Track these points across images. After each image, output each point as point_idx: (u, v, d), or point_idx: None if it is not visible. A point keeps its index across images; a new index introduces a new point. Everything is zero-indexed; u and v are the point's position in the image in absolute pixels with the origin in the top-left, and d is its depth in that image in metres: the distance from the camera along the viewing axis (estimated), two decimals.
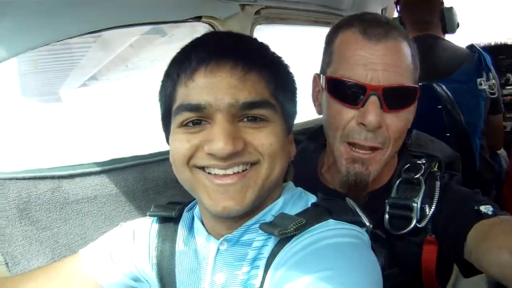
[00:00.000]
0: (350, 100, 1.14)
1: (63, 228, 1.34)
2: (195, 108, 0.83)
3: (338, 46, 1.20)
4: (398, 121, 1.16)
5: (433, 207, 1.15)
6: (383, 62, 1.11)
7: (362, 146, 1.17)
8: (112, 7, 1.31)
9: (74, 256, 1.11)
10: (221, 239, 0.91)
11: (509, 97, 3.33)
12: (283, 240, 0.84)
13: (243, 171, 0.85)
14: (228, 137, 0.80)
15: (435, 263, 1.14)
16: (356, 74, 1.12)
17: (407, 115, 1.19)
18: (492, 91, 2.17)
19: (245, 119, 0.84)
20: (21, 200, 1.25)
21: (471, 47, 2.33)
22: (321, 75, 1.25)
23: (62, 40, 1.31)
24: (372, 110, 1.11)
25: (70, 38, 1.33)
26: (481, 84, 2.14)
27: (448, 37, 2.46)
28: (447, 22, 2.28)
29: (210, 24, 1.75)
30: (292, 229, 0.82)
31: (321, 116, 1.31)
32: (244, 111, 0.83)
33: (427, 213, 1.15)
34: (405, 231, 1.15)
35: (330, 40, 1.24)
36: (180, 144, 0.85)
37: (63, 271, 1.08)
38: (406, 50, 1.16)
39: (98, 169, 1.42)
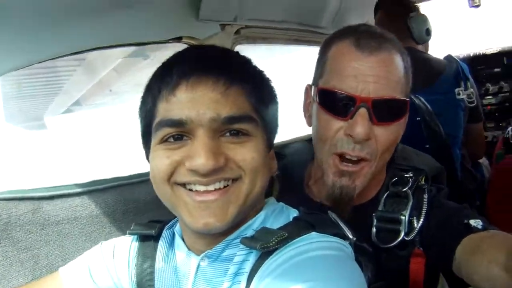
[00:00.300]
0: (339, 112, 1.14)
1: (43, 249, 1.32)
2: (176, 123, 0.82)
3: (331, 57, 1.19)
4: (387, 134, 1.15)
5: (421, 220, 1.15)
6: (374, 74, 1.10)
7: (350, 157, 1.15)
8: (93, 29, 1.31)
9: (54, 274, 1.10)
10: (202, 255, 0.90)
11: (489, 107, 3.37)
12: (265, 254, 0.83)
13: (224, 187, 0.84)
14: (210, 153, 0.80)
15: (423, 276, 1.13)
16: (347, 85, 1.11)
17: (397, 128, 1.18)
18: (470, 100, 2.19)
19: (227, 134, 0.84)
20: (1, 221, 1.24)
21: (449, 57, 2.37)
22: (313, 86, 1.25)
23: (43, 61, 1.33)
24: (360, 122, 1.10)
25: (52, 59, 1.34)
26: (459, 94, 2.16)
27: (430, 48, 2.50)
28: (414, 31, 2.28)
29: (190, 45, 1.77)
30: (274, 242, 0.81)
31: (303, 134, 1.31)
32: (226, 126, 0.83)
33: (415, 226, 1.15)
34: (393, 244, 1.15)
35: (323, 51, 1.23)
36: (160, 161, 0.84)
37: None
38: (399, 63, 1.16)
39: (78, 190, 1.42)
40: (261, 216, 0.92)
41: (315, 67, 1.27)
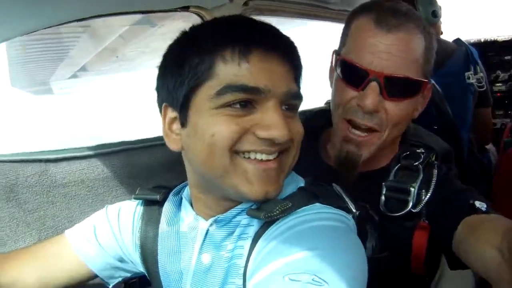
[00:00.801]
0: (353, 82, 1.19)
1: (50, 211, 1.35)
2: (252, 90, 0.80)
3: (352, 31, 1.23)
4: (398, 109, 1.18)
5: (429, 194, 1.17)
6: (389, 52, 1.13)
7: (359, 126, 1.20)
8: None
9: (60, 236, 1.12)
10: (211, 220, 0.92)
11: (498, 94, 3.34)
12: (268, 222, 0.84)
13: (277, 157, 0.86)
14: (286, 125, 0.81)
15: (425, 249, 1.14)
16: (362, 59, 1.15)
17: (410, 105, 1.21)
18: (480, 84, 2.19)
19: (283, 107, 0.85)
20: (9, 182, 1.26)
21: (458, 41, 2.35)
22: (335, 54, 1.29)
23: (48, 27, 1.31)
24: (370, 95, 1.14)
25: (57, 25, 1.33)
26: (469, 78, 2.16)
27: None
28: (422, 12, 2.26)
29: (198, 14, 1.76)
30: (277, 211, 0.82)
31: None
32: (289, 101, 0.85)
33: (423, 199, 1.17)
34: (400, 213, 1.17)
35: (348, 23, 1.27)
36: (226, 127, 0.81)
37: (49, 251, 1.09)
38: (418, 43, 1.17)
39: (84, 153, 1.43)
40: None
41: (341, 36, 1.31)
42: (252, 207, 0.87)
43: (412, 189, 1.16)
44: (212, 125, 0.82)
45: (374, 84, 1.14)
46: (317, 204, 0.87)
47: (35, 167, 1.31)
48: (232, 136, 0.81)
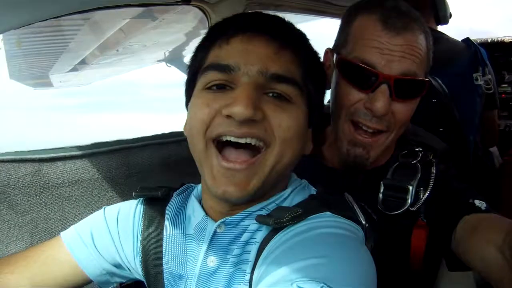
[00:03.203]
0: (360, 84, 1.15)
1: (42, 213, 1.30)
2: (223, 68, 0.82)
3: (355, 30, 1.19)
4: (405, 109, 1.17)
5: (427, 192, 1.17)
6: (399, 54, 1.11)
7: (367, 128, 1.18)
8: None
9: (55, 239, 1.06)
10: (219, 221, 0.89)
11: (504, 95, 3.30)
12: (277, 228, 0.82)
13: (252, 157, 0.82)
14: (249, 101, 0.78)
15: (424, 247, 1.14)
16: (371, 57, 1.12)
17: (414, 104, 1.20)
18: (488, 86, 2.14)
19: (270, 94, 0.83)
20: (0, 184, 1.21)
21: (467, 40, 2.29)
22: (334, 53, 1.25)
23: (47, 19, 1.26)
24: (381, 98, 1.11)
25: (56, 17, 1.29)
26: (477, 80, 2.11)
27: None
28: (440, 12, 2.23)
29: (200, 8, 1.71)
30: (287, 218, 0.80)
31: None
32: (271, 84, 0.82)
33: (421, 197, 1.16)
34: (398, 212, 1.16)
35: (347, 21, 1.22)
36: (200, 109, 0.83)
37: (43, 254, 1.03)
38: (423, 43, 1.16)
39: (80, 153, 1.39)
40: (287, 192, 0.92)
41: (338, 34, 1.27)
42: (262, 214, 0.86)
43: (410, 187, 1.18)
44: (192, 107, 0.87)
45: (384, 87, 1.11)
46: (328, 212, 0.84)
47: (27, 167, 1.27)
48: (203, 117, 0.82)
